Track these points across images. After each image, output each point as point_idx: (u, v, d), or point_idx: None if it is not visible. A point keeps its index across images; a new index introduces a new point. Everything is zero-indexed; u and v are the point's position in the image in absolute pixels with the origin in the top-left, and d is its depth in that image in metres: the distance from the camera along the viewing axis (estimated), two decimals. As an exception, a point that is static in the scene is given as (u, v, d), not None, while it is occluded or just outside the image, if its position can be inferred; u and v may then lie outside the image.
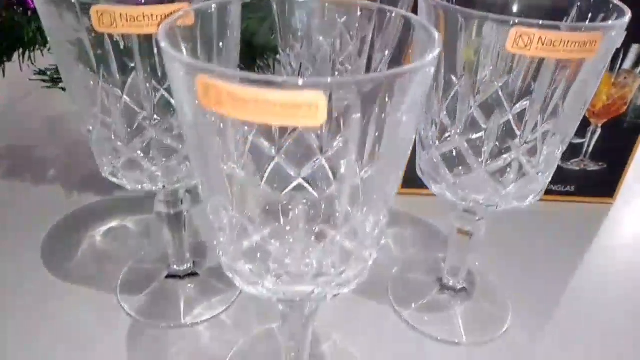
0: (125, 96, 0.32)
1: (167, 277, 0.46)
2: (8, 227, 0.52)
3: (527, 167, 0.34)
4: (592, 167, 0.58)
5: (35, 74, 0.49)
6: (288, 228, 0.26)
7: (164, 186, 0.36)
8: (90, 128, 0.34)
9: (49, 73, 0.48)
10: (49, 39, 0.32)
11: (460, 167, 0.36)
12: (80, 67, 0.32)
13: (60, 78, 0.48)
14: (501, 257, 0.51)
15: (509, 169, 0.35)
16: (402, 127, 0.25)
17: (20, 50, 0.50)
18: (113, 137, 0.34)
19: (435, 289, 0.47)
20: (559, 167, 0.57)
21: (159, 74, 0.33)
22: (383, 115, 0.23)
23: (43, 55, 0.51)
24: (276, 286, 0.27)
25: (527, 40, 0.29)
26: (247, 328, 0.42)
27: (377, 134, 0.24)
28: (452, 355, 0.41)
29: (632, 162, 0.57)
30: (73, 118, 0.71)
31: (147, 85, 0.33)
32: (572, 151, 0.57)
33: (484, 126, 0.35)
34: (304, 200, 0.26)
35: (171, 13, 0.29)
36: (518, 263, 0.51)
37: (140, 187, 0.36)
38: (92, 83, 0.32)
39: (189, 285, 0.46)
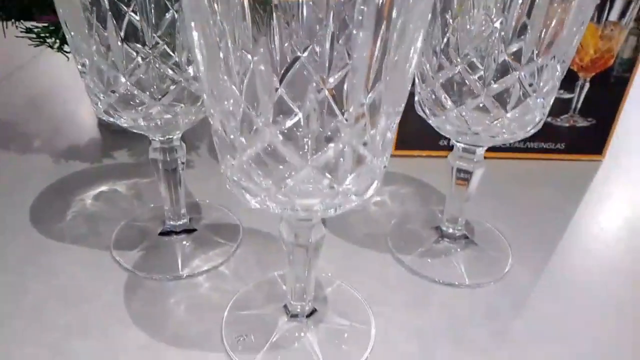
0: (122, 35, 0.32)
1: (163, 233, 0.45)
2: (-6, 194, 0.50)
3: (528, 90, 0.34)
4: (582, 123, 0.59)
5: (21, 31, 0.48)
6: (299, 130, 0.25)
7: (160, 123, 0.35)
8: (87, 62, 0.33)
9: (36, 31, 0.47)
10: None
11: (461, 96, 0.36)
12: (79, 12, 0.31)
13: (47, 36, 0.47)
14: (497, 211, 0.51)
15: (508, 99, 0.35)
16: (408, 41, 0.24)
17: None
18: (110, 70, 0.33)
19: (434, 237, 0.46)
20: (549, 124, 0.59)
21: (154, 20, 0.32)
22: (391, 29, 0.23)
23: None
24: (286, 198, 0.27)
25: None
26: (247, 278, 0.42)
27: (384, 51, 0.24)
28: (455, 296, 0.41)
29: (620, 116, 0.58)
30: (55, 97, 0.70)
31: (145, 27, 0.32)
32: (562, 107, 0.57)
33: (479, 66, 0.35)
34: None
35: None
36: (514, 215, 0.51)
37: (134, 123, 0.35)
38: (89, 25, 0.32)
39: (186, 240, 0.45)
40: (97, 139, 0.60)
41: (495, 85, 0.34)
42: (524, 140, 0.60)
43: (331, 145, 0.25)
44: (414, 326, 0.38)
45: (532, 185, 0.56)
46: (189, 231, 0.45)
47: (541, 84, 0.34)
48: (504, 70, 0.35)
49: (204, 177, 0.53)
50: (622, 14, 0.53)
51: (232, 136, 0.26)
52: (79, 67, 0.34)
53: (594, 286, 0.43)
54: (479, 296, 0.41)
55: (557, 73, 0.34)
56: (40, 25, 0.48)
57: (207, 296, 0.40)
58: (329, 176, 0.26)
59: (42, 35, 0.47)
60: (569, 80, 0.56)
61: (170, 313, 0.38)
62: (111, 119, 0.35)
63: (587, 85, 0.56)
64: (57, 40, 0.47)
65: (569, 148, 0.60)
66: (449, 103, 0.36)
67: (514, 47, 0.34)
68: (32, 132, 0.61)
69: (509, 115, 0.35)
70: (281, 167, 0.26)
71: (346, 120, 0.25)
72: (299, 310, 0.37)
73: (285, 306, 0.37)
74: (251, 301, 0.39)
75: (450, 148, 0.60)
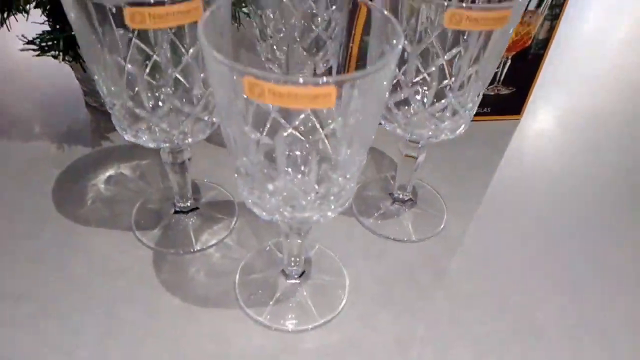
0: (146, 76, 0.40)
1: (174, 212, 0.55)
2: (13, 182, 0.58)
3: (457, 107, 0.46)
4: (504, 91, 0.71)
5: (24, 44, 0.53)
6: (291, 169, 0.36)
7: (177, 143, 0.45)
8: (116, 102, 0.41)
9: (37, 42, 0.53)
10: (76, 34, 0.39)
11: (409, 111, 0.47)
12: (106, 56, 0.39)
13: (50, 46, 0.53)
14: (434, 173, 0.64)
15: (445, 111, 0.47)
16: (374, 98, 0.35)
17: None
18: (137, 109, 0.41)
19: (388, 202, 0.59)
20: (478, 94, 0.71)
21: (178, 59, 0.41)
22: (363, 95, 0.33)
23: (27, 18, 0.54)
24: (289, 214, 0.38)
25: (459, 18, 0.39)
26: (248, 247, 0.53)
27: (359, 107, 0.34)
28: (406, 250, 0.55)
29: (535, 85, 0.71)
30: (37, 79, 0.74)
31: (168, 67, 0.40)
32: (489, 80, 0.69)
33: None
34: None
35: (189, 10, 0.36)
36: (448, 175, 0.64)
37: (155, 143, 0.44)
38: (117, 69, 0.39)
39: (193, 218, 0.55)
40: (89, 120, 0.67)
41: (433, 106, 0.45)
42: (459, 106, 0.72)
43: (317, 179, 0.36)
44: (376, 275, 0.52)
45: (462, 145, 0.69)
46: (193, 209, 0.56)
47: (468, 101, 0.46)
48: (440, 95, 0.46)
49: (197, 158, 0.62)
50: (539, 4, 0.63)
51: (249, 178, 0.36)
52: (108, 101, 0.42)
53: (513, 231, 0.58)
54: (423, 248, 0.55)
55: (480, 90, 0.46)
56: (39, 35, 0.53)
57: (219, 264, 0.52)
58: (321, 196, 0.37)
59: (44, 46, 0.53)
60: (495, 59, 0.67)
61: (192, 280, 0.50)
62: (134, 139, 0.44)
63: (509, 61, 0.68)
64: (60, 52, 0.52)
65: (493, 111, 0.73)
66: (398, 115, 0.47)
67: (447, 82, 0.45)
68: (27, 117, 0.67)
69: (444, 124, 0.46)
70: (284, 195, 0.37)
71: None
72: (293, 273, 0.49)
73: (282, 270, 0.50)
74: (255, 267, 0.51)
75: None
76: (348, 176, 0.38)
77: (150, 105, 0.42)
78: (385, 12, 0.36)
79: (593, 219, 0.60)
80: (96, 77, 0.41)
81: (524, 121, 0.74)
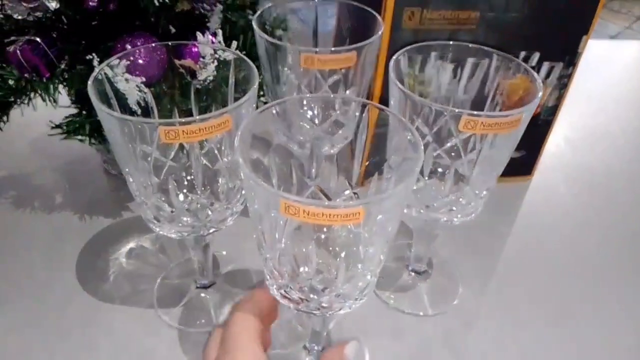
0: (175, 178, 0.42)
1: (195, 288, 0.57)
2: (39, 258, 0.59)
3: (472, 196, 0.47)
4: (515, 155, 0.73)
5: (52, 128, 0.55)
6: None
7: (202, 234, 0.46)
8: (148, 202, 0.43)
9: (64, 127, 0.55)
10: (111, 143, 0.40)
11: (426, 198, 0.48)
12: (139, 162, 0.40)
13: (76, 130, 0.55)
14: (449, 236, 0.65)
15: (461, 199, 0.48)
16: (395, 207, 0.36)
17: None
18: (166, 207, 0.43)
19: (404, 274, 0.60)
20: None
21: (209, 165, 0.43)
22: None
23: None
24: (315, 306, 0.39)
25: (474, 124, 0.41)
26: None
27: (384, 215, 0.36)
28: (423, 325, 0.56)
29: (544, 148, 0.72)
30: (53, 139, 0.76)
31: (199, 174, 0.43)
32: (499, 145, 0.71)
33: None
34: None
35: (220, 124, 0.38)
36: (463, 239, 0.65)
37: (180, 234, 0.46)
38: (149, 175, 0.42)
39: (213, 292, 0.56)
40: (109, 189, 0.69)
41: (450, 196, 0.47)
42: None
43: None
44: (394, 352, 0.53)
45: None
46: (213, 283, 0.57)
47: (482, 189, 0.47)
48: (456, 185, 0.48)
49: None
50: (547, 75, 0.65)
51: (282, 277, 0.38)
52: (138, 197, 0.44)
53: (525, 300, 0.58)
54: (439, 323, 0.56)
55: (494, 178, 0.47)
56: (65, 120, 0.55)
57: (240, 343, 0.53)
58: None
59: (70, 129, 0.55)
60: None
61: (215, 361, 0.51)
62: (161, 231, 0.46)
63: (519, 128, 0.70)
64: (87, 136, 0.54)
65: (505, 173, 0.74)
66: (416, 202, 0.48)
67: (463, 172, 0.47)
68: (49, 187, 0.69)
69: (457, 211, 0.48)
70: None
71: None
72: (315, 349, 0.50)
73: (304, 346, 0.51)
74: (276, 342, 0.52)
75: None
76: (372, 269, 0.39)
77: (180, 205, 0.43)
78: (401, 118, 0.38)
79: (608, 285, 0.61)
80: (128, 177, 0.43)
81: (535, 181, 0.76)
